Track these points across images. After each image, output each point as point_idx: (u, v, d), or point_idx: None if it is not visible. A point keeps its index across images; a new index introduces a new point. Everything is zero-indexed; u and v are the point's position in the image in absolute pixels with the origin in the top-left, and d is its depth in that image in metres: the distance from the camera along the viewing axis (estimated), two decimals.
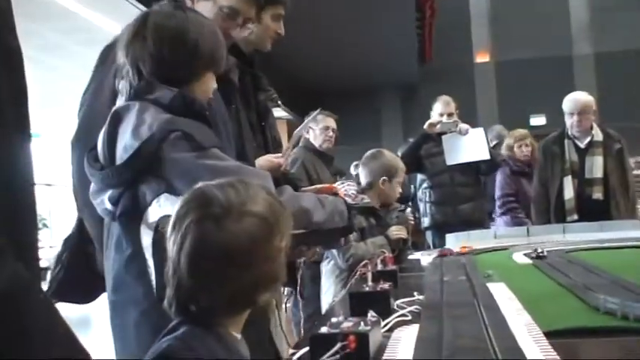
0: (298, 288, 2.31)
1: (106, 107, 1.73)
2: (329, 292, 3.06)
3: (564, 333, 1.38)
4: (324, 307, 3.13)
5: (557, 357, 1.15)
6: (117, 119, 1.64)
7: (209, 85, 1.77)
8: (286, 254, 1.20)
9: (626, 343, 1.35)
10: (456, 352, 1.23)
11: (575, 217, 4.19)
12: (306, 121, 2.46)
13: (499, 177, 5.26)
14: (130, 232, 1.60)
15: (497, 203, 5.28)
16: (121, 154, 1.61)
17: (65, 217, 2.60)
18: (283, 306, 2.39)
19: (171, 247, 1.15)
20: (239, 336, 1.18)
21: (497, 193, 5.28)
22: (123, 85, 1.70)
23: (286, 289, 3.52)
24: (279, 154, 2.34)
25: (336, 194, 2.50)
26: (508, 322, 1.44)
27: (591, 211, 4.13)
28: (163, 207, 1.54)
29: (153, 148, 1.56)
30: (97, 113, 1.78)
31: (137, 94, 1.66)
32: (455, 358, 1.18)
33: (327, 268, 3.23)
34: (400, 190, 3.31)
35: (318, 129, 4.54)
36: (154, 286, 1.54)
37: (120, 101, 1.71)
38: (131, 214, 1.59)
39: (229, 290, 1.13)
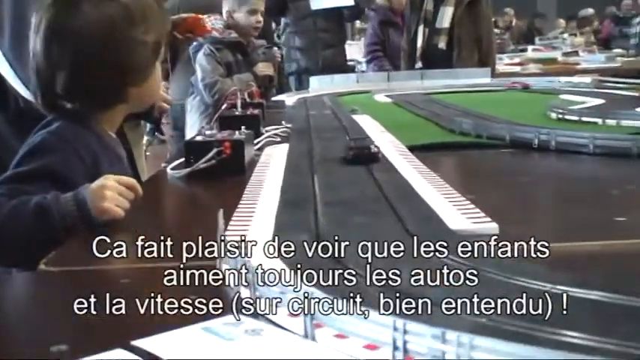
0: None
1: None
2: (194, 127, 3.03)
3: (424, 148, 1.47)
4: None
5: (423, 165, 1.22)
6: None
7: None
8: (156, 51, 1.17)
9: (482, 155, 1.48)
10: (326, 160, 1.28)
11: (420, 64, 4.27)
12: None
13: (368, 26, 5.29)
14: None
15: (364, 51, 5.34)
16: None
17: None
18: (143, 146, 2.37)
19: (33, 37, 1.09)
20: (114, 136, 1.17)
21: (365, 41, 5.33)
22: None
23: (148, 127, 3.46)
24: None
25: (204, 27, 2.43)
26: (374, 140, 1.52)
27: (435, 60, 4.20)
28: None
29: None
30: None
31: None
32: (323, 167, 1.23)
33: (192, 104, 3.19)
34: (259, 20, 3.18)
35: None
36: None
37: None
38: None
39: (89, 76, 1.09)
